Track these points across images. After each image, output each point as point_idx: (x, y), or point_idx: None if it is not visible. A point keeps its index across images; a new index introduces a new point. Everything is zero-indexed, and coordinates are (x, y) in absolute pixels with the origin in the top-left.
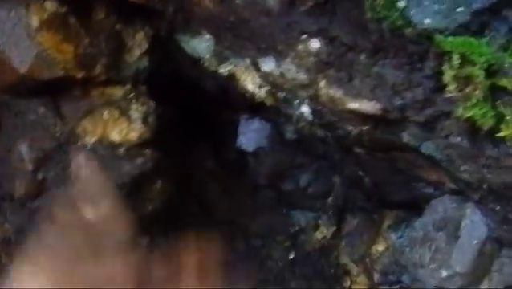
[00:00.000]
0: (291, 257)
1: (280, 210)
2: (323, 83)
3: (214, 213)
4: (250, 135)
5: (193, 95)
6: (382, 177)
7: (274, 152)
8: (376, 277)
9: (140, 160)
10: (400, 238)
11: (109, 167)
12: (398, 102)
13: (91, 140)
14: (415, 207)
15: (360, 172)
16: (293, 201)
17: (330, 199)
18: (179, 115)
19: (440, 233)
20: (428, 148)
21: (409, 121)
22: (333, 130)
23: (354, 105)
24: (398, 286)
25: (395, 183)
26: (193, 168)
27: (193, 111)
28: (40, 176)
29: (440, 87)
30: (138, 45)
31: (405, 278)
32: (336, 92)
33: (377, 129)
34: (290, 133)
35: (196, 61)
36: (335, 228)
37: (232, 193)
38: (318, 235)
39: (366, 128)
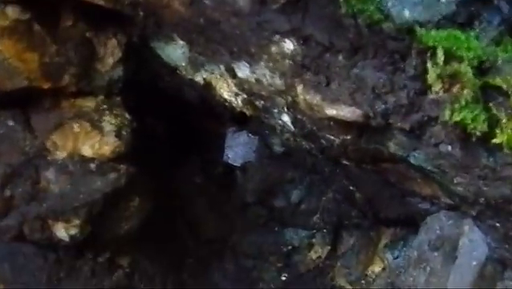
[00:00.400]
0: (284, 278)
1: (271, 228)
2: (300, 88)
3: (202, 231)
4: (238, 149)
5: (175, 107)
6: (374, 191)
7: (262, 166)
8: None
9: (112, 176)
10: (397, 258)
11: (80, 183)
12: (380, 107)
13: (61, 154)
14: (412, 224)
15: (351, 187)
16: (285, 218)
17: (323, 216)
18: (162, 128)
19: (436, 253)
20: (417, 158)
21: (394, 128)
22: (316, 141)
23: (332, 112)
24: None
25: (388, 198)
26: (178, 184)
27: (177, 123)
28: (7, 192)
29: (426, 89)
30: (110, 53)
31: None
32: (314, 98)
33: (361, 138)
34: (277, 146)
35: (173, 69)
36: (329, 247)
37: (220, 210)
38: (313, 255)
39: (349, 137)
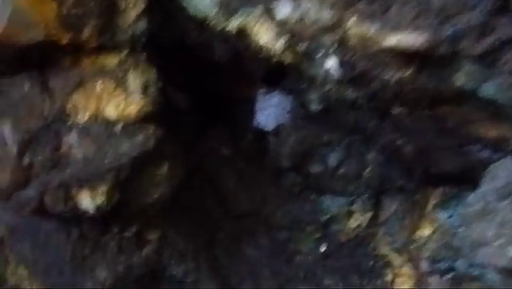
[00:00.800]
0: (322, 250)
1: (307, 197)
2: (352, 21)
3: (232, 204)
4: (269, 111)
5: (202, 70)
6: (426, 142)
7: (297, 129)
8: (424, 266)
9: (140, 138)
10: (451, 217)
11: (105, 147)
12: (448, 31)
13: (83, 117)
14: (466, 179)
15: (399, 141)
16: (322, 185)
17: (364, 180)
18: (189, 96)
19: (505, 202)
20: (488, 90)
21: (463, 56)
22: (366, 85)
23: (391, 41)
24: (451, 275)
25: (443, 149)
26: (206, 155)
27: (204, 91)
28: (26, 160)
29: (504, 6)
30: (133, 5)
31: (460, 265)
32: (369, 28)
33: (422, 73)
34: (314, 103)
35: (201, 22)
36: (371, 214)
37: (251, 181)
38: (353, 223)
39: (408, 72)
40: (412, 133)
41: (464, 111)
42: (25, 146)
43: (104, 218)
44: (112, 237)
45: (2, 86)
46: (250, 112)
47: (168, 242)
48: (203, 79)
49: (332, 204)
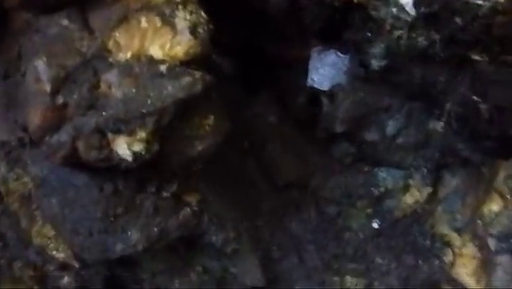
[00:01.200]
0: (375, 226)
1: (360, 168)
2: None
3: (278, 174)
4: (324, 70)
5: (253, 24)
6: (507, 99)
7: (354, 90)
8: (493, 244)
9: (187, 80)
10: None
11: (148, 87)
12: None
13: (125, 55)
14: None
15: (475, 97)
16: (377, 155)
17: (425, 151)
18: (234, 62)
19: None
20: None
21: None
22: (444, 25)
23: None
24: None
25: None
26: (251, 122)
27: (253, 51)
28: (60, 100)
29: None
30: None
31: None
32: None
33: None
34: (377, 59)
35: None
36: (430, 189)
37: (300, 149)
38: (409, 199)
39: None
40: (491, 87)
41: None
42: (60, 83)
43: (141, 173)
44: (148, 196)
45: (40, 22)
46: (303, 73)
47: (208, 208)
48: (253, 35)
49: (387, 177)
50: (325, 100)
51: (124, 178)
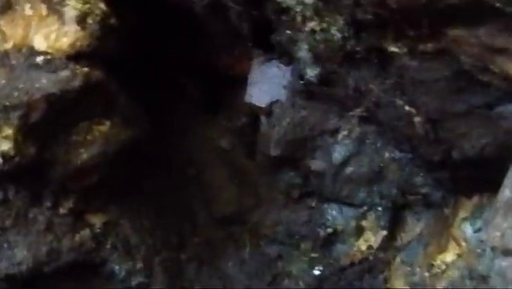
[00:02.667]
0: (317, 273)
1: (307, 203)
2: None
3: (216, 205)
4: (263, 84)
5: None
6: (441, 107)
7: (294, 108)
8: None
9: (64, 74)
10: (479, 230)
11: (20, 79)
12: None
13: (8, 45)
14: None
15: (408, 107)
16: (324, 188)
17: (381, 186)
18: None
19: None
20: None
21: None
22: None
23: None
24: None
25: (462, 115)
26: (202, 147)
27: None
28: None
29: None
30: None
31: None
32: None
33: None
34: (310, 68)
35: None
36: (385, 232)
37: (247, 177)
38: (362, 244)
39: None
40: (419, 92)
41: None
42: None
43: (32, 184)
44: (42, 211)
45: None
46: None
47: (115, 232)
48: (195, 46)
49: (337, 215)
50: (263, 119)
51: (15, 187)
